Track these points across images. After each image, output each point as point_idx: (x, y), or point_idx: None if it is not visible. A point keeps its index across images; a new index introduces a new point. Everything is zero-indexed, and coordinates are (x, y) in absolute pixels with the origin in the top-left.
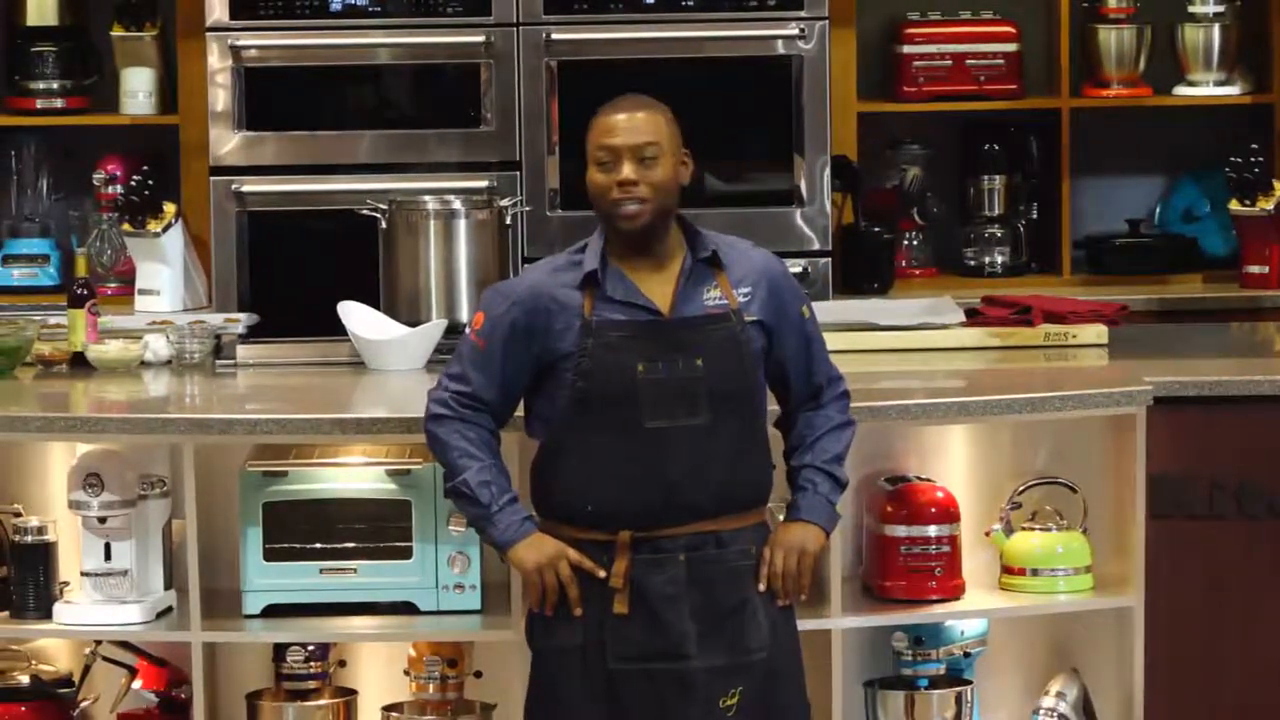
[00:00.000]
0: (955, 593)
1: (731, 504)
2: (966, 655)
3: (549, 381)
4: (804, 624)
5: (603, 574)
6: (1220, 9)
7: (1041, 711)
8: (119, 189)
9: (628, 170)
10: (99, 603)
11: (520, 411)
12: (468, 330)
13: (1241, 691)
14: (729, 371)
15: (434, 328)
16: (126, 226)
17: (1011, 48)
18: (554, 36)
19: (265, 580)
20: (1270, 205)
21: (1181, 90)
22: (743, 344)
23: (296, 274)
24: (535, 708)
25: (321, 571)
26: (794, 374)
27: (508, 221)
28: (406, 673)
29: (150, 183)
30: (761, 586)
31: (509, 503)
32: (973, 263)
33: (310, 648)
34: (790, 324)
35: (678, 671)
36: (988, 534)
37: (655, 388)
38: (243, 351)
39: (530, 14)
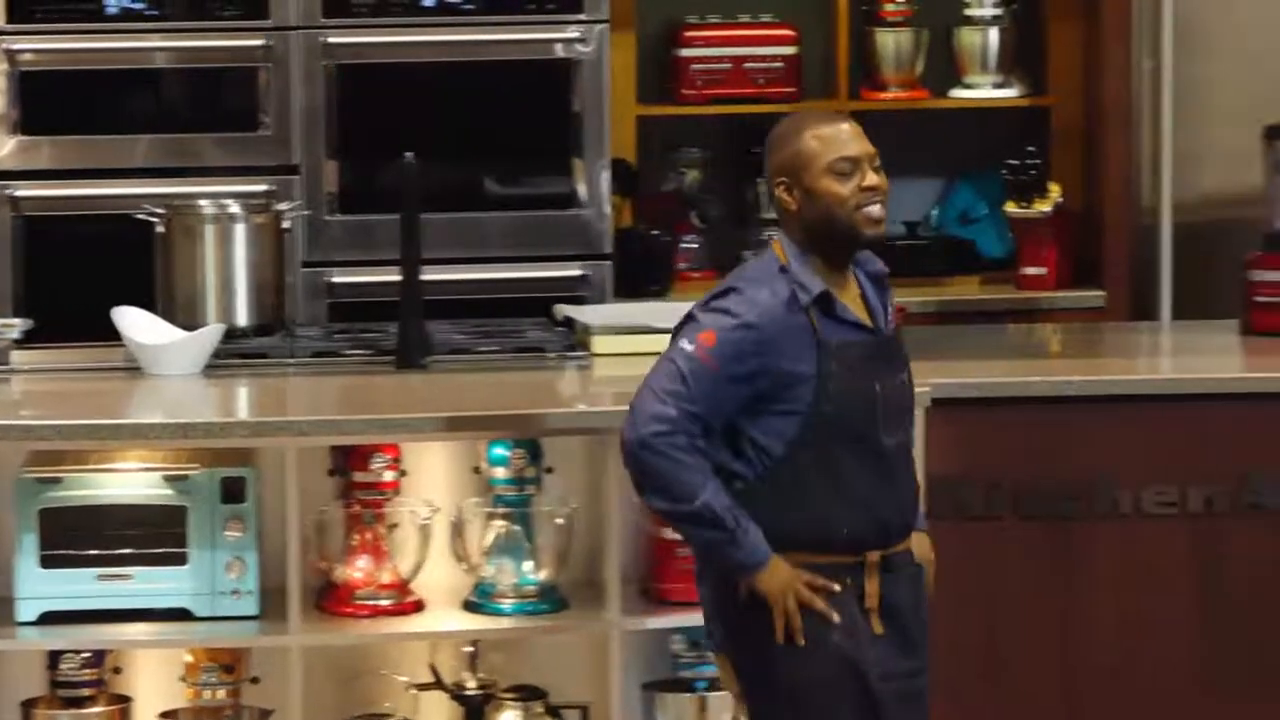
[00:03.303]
0: None
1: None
2: None
3: (774, 409)
4: (580, 628)
5: (836, 588)
6: (997, 12)
7: None
8: None
9: (874, 177)
10: None
11: None
12: (689, 348)
13: (1020, 692)
14: (913, 384)
15: (211, 332)
16: None
17: (790, 50)
18: (331, 40)
19: (41, 587)
20: (1047, 207)
21: (958, 93)
22: (908, 356)
23: (73, 279)
24: None
25: (98, 578)
26: None
27: (286, 226)
28: (183, 679)
29: None
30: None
31: (749, 522)
32: None
33: (85, 654)
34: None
35: (918, 686)
36: None
37: (887, 406)
38: (17, 357)
39: (308, 18)
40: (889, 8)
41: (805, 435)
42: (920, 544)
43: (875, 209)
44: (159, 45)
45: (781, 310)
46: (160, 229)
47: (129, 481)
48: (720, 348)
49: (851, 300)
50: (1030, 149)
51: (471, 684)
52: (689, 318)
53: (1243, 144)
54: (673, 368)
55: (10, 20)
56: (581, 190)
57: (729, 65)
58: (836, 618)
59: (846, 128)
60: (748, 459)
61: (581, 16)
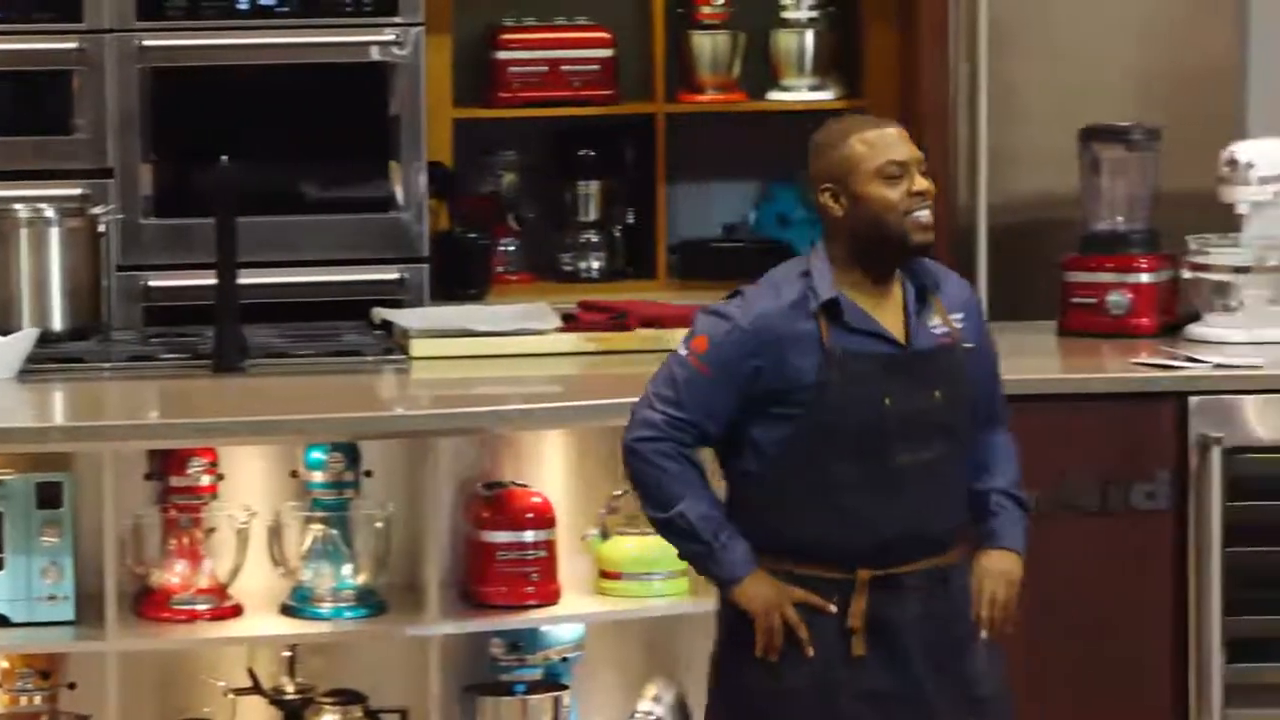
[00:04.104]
0: (552, 598)
1: (958, 537)
2: (564, 660)
3: (773, 412)
4: (399, 632)
5: (832, 609)
6: (813, 14)
7: (638, 715)
8: None
9: (922, 182)
10: None
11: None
12: (684, 352)
13: None
14: (958, 402)
15: (25, 336)
16: None
17: (607, 53)
18: (146, 43)
19: None
20: None
21: (775, 95)
22: (966, 373)
23: None
24: None
25: None
26: (982, 398)
27: (101, 229)
28: None
29: None
30: (985, 617)
31: (731, 537)
32: (569, 268)
33: None
34: (986, 348)
35: (918, 711)
36: (584, 539)
37: (901, 421)
38: None
39: (121, 20)
40: (705, 10)
41: (801, 442)
42: (993, 560)
43: (924, 214)
44: None
45: (784, 313)
46: None
47: None
48: (712, 352)
49: (888, 311)
50: None
51: (290, 688)
52: (694, 321)
53: (1059, 146)
54: (668, 373)
55: None
56: (398, 193)
57: (545, 68)
58: (810, 652)
59: (893, 131)
60: (746, 458)
61: (397, 19)
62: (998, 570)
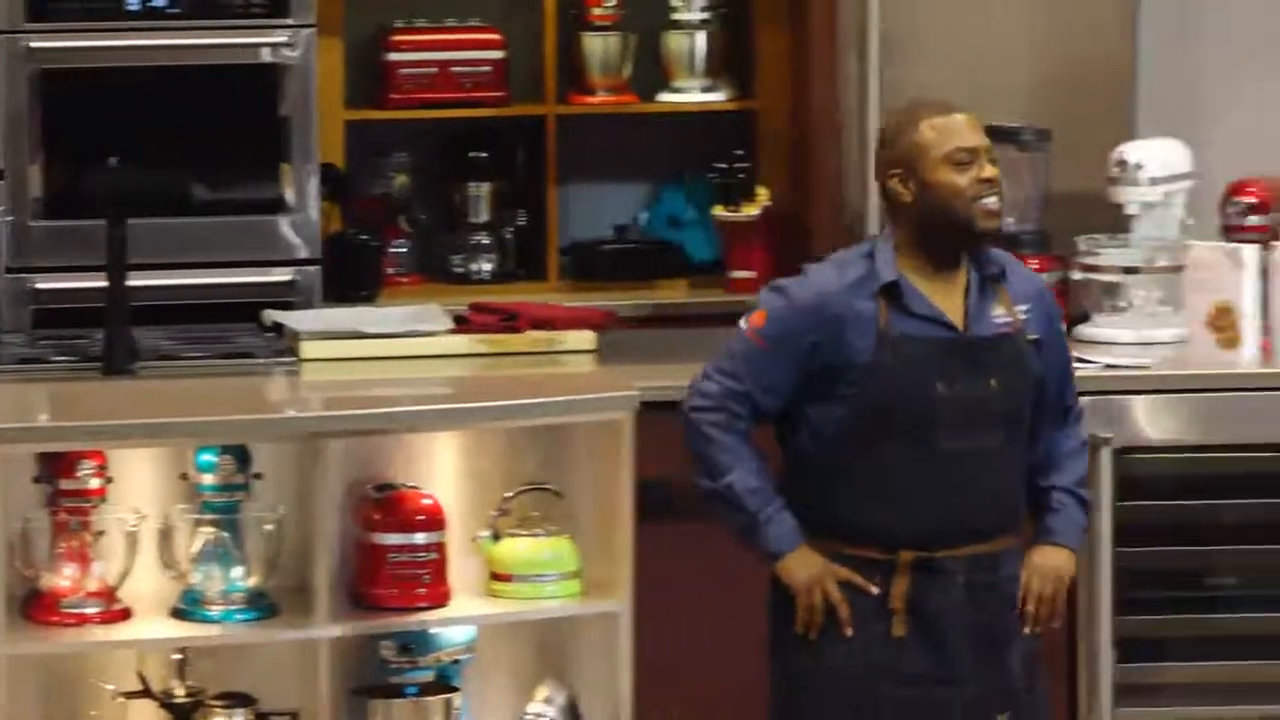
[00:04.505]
0: (443, 600)
1: (1009, 525)
2: (455, 662)
3: (828, 392)
4: (289, 634)
5: (875, 590)
6: (705, 16)
7: (528, 716)
8: None
9: (991, 169)
10: None
11: None
12: (743, 326)
13: (729, 691)
14: (1017, 392)
15: None
16: None
17: (497, 55)
18: (34, 45)
19: None
20: (754, 210)
21: (666, 96)
22: (1027, 364)
23: None
24: None
25: None
26: (1051, 393)
27: None
28: None
29: None
30: (1030, 609)
31: (778, 511)
32: (460, 270)
33: None
34: (1056, 343)
35: (952, 696)
36: (475, 540)
37: (953, 407)
38: None
39: (10, 22)
40: (596, 11)
41: (853, 423)
42: (1045, 556)
43: (992, 201)
44: None
45: (844, 292)
46: None
47: None
48: (769, 327)
49: (950, 297)
50: (738, 152)
51: (180, 691)
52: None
53: None
54: (729, 345)
55: None
56: (290, 195)
57: (436, 70)
58: (849, 632)
59: (962, 118)
60: (803, 436)
61: (288, 21)
62: (1048, 566)
